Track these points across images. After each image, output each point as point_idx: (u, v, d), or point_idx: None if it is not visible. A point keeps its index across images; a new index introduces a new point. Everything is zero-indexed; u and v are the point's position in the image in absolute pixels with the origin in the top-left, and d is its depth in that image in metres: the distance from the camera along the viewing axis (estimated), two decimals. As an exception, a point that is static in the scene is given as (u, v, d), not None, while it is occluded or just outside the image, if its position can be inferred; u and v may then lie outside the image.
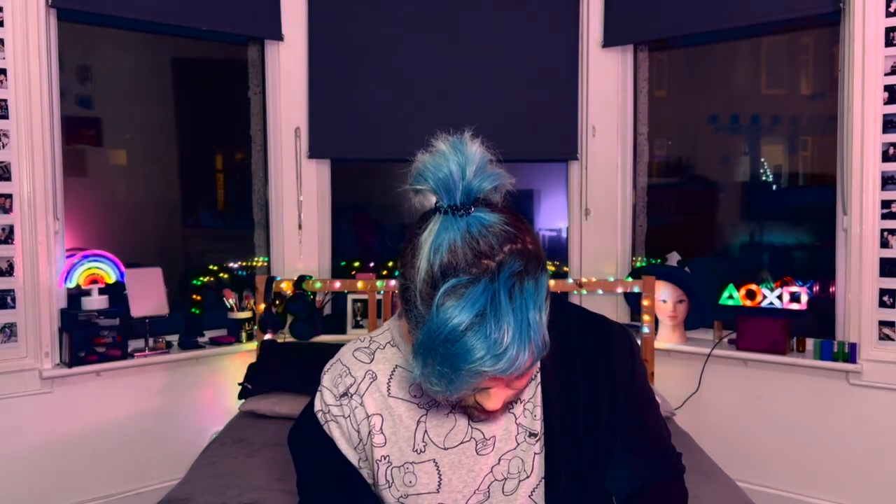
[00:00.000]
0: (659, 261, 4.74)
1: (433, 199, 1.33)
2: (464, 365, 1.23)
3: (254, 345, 4.60)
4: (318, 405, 1.65)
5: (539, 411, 1.59)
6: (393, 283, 4.47)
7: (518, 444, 1.58)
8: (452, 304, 1.22)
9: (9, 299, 3.92)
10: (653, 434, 1.71)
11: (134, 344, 4.32)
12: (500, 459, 1.58)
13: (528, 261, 1.27)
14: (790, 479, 4.18)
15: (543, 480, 1.58)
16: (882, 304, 3.89)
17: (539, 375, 1.59)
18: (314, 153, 4.87)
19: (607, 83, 4.78)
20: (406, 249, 1.35)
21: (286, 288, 4.53)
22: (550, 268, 5.12)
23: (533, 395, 1.60)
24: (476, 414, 1.49)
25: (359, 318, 4.82)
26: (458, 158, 1.30)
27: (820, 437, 4.09)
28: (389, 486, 1.60)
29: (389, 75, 4.83)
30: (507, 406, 1.57)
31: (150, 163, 4.84)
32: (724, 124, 4.87)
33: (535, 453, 1.58)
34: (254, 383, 4.12)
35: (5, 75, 3.86)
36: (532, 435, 1.58)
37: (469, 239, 1.26)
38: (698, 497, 2.91)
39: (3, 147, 3.87)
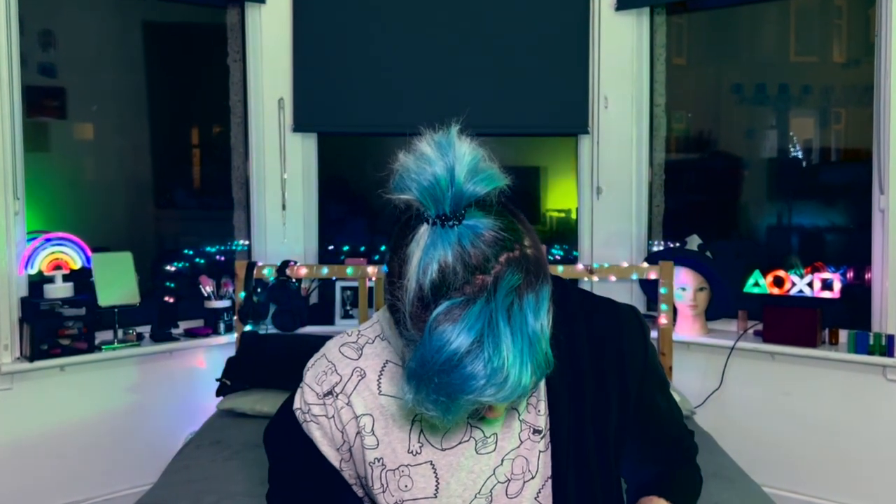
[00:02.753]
0: (678, 244, 4.72)
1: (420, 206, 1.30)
2: (462, 395, 1.23)
3: (233, 337, 4.59)
4: (297, 403, 1.66)
5: (543, 406, 1.60)
6: (386, 269, 4.45)
7: (522, 443, 1.59)
8: (446, 328, 1.21)
9: (-37, 287, 3.91)
10: (667, 419, 1.75)
11: (101, 336, 4.32)
12: (502, 460, 1.58)
13: (528, 270, 1.27)
14: (821, 484, 4.17)
15: (550, 480, 1.58)
16: (923, 292, 3.89)
17: None
18: (299, 126, 4.85)
19: (621, 50, 4.75)
20: (392, 261, 1.35)
21: (269, 274, 4.51)
22: (559, 253, 5.10)
23: (537, 388, 1.59)
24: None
25: (348, 308, 4.81)
26: (445, 161, 1.26)
27: (854, 437, 4.08)
28: (384, 491, 1.60)
29: (382, 42, 4.80)
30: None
31: (120, 137, 4.82)
32: (749, 95, 4.86)
33: (539, 451, 1.59)
34: (233, 379, 4.11)
35: (-42, 40, 3.84)
36: (536, 432, 1.59)
37: (460, 253, 1.24)
38: (720, 503, 2.90)
39: (-44, 119, 3.85)
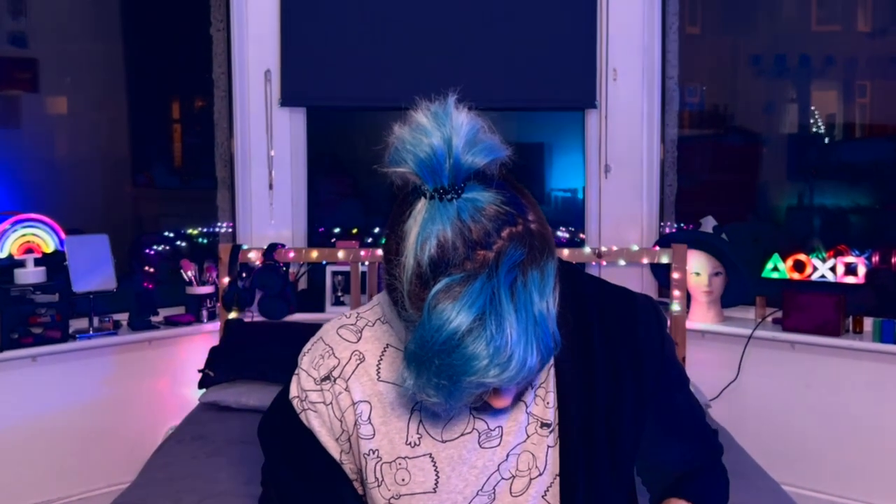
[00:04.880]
0: (691, 226, 4.71)
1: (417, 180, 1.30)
2: (464, 377, 1.23)
3: (217, 325, 4.59)
4: (294, 391, 1.65)
5: (552, 398, 1.59)
6: (380, 252, 4.44)
7: (528, 437, 1.58)
8: (446, 307, 1.21)
9: (-73, 271, 3.89)
10: (688, 415, 1.74)
11: (76, 324, 4.30)
12: (507, 455, 1.57)
13: (532, 245, 1.27)
14: (845, 482, 4.17)
15: (558, 478, 1.57)
16: (954, 277, 3.88)
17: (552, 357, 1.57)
18: (287, 100, 4.83)
19: (631, 18, 4.73)
20: (390, 239, 1.35)
21: (254, 258, 4.50)
22: (565, 235, 5.09)
23: (545, 379, 1.59)
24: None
25: (339, 294, 4.80)
26: (442, 132, 1.26)
27: (880, 432, 4.08)
28: (379, 485, 1.59)
29: (377, 10, 4.77)
30: (525, 388, 1.57)
31: (96, 111, 4.83)
32: (767, 66, 4.85)
33: (548, 446, 1.58)
34: (217, 370, 4.11)
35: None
36: (545, 425, 1.58)
37: (460, 227, 1.24)
38: None
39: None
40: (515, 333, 1.21)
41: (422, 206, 1.27)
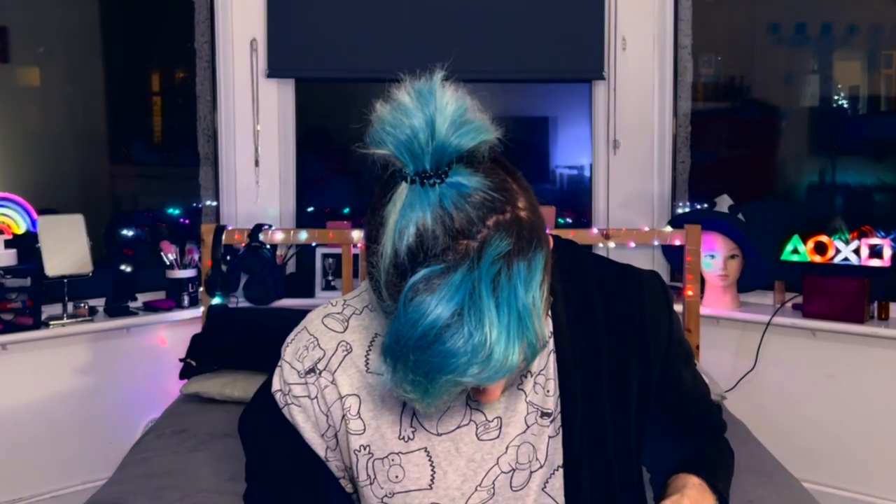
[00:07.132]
0: (706, 206, 4.70)
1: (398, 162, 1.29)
2: (441, 375, 1.22)
3: (199, 311, 4.58)
4: (276, 384, 1.65)
5: (553, 385, 1.60)
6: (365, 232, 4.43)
7: (528, 427, 1.59)
8: (424, 299, 1.20)
9: None
10: (693, 395, 1.78)
11: (49, 310, 4.30)
12: (507, 447, 1.58)
13: (520, 235, 1.26)
14: (868, 479, 4.16)
15: (560, 470, 1.59)
16: None
17: (552, 341, 1.59)
18: (274, 71, 4.83)
19: (642, -17, 4.71)
20: (369, 224, 1.35)
21: (239, 239, 4.48)
22: (569, 217, 5.07)
23: (545, 365, 1.60)
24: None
25: (330, 278, 4.81)
26: (425, 112, 1.25)
27: (905, 425, 4.07)
28: (371, 483, 1.60)
29: (369, -26, 4.75)
30: (514, 381, 1.56)
31: (70, 83, 4.81)
32: (787, 35, 4.84)
33: (548, 437, 1.59)
34: (199, 359, 4.11)
35: None
36: (545, 415, 1.59)
37: (441, 215, 1.23)
38: (755, 501, 2.88)
39: None
40: (496, 330, 1.19)
41: (402, 190, 1.26)
